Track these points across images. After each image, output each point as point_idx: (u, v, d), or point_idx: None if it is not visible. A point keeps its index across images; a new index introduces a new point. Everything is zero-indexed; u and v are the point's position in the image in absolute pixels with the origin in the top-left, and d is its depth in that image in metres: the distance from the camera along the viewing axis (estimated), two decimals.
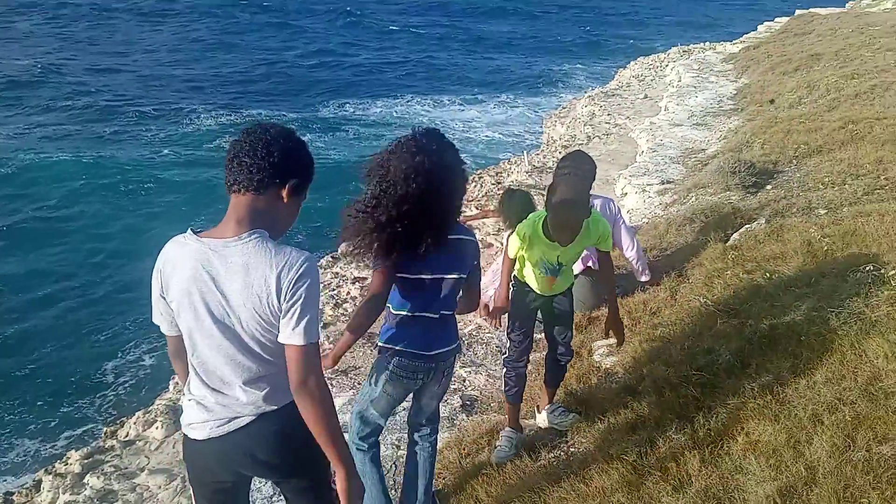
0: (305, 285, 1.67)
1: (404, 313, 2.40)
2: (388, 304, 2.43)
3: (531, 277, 2.91)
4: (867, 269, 3.62)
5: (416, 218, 2.19)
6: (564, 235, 2.71)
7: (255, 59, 28.89)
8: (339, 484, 1.74)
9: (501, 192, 4.93)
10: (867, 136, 6.31)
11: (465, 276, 2.43)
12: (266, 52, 31.18)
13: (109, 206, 13.22)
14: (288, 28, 38.85)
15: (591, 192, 4.06)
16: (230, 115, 19.69)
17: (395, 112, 22.01)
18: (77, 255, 11.34)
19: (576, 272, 4.08)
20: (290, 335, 1.68)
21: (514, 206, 4.05)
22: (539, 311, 3.02)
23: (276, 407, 1.81)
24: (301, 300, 1.67)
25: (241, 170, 1.72)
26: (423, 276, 2.35)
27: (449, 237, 2.31)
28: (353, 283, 6.65)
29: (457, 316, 2.56)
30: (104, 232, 12.17)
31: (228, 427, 1.81)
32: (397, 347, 2.40)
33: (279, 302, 1.67)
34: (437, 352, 2.43)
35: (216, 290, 1.71)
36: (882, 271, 3.52)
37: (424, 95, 24.70)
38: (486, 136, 19.42)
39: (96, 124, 18.31)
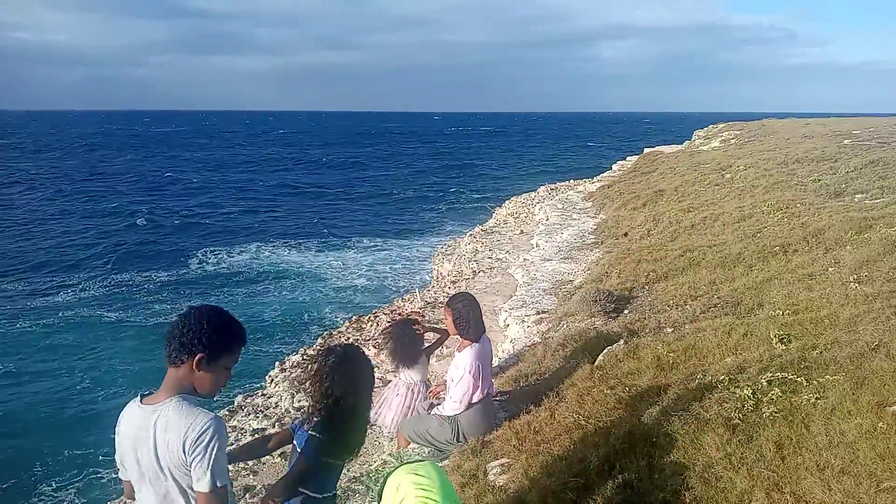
0: (204, 443, 2.05)
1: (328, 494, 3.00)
2: (303, 490, 2.91)
3: None
4: (702, 376, 4.37)
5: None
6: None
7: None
8: None
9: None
10: (702, 261, 7.43)
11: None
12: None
13: None
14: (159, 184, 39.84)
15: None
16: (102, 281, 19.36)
17: (288, 259, 22.40)
18: None
19: (475, 399, 4.58)
20: (197, 484, 2.08)
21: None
22: None
23: None
24: (202, 455, 2.05)
25: (166, 346, 2.19)
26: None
27: None
28: (252, 435, 6.81)
29: None
30: None
31: None
32: None
33: (185, 457, 2.06)
34: None
35: (149, 447, 2.11)
36: (712, 378, 4.27)
37: (300, 240, 25.39)
38: (375, 276, 20.12)
39: None
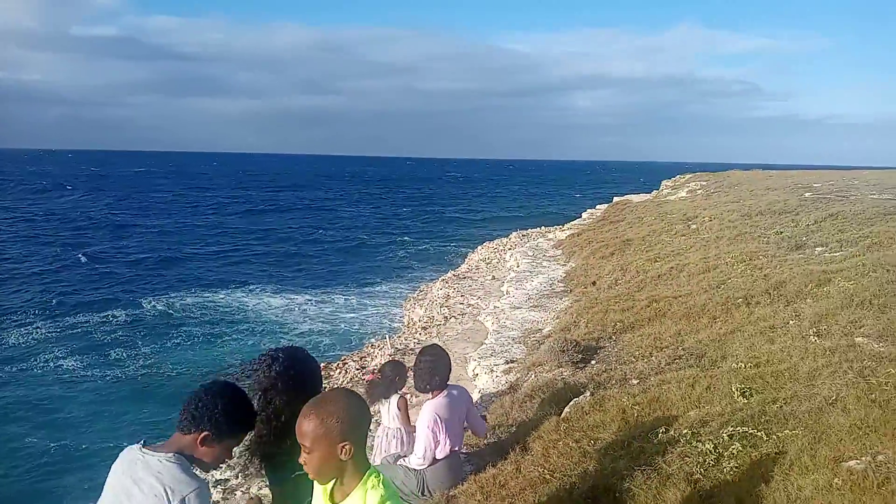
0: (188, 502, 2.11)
1: None
2: None
3: None
4: (666, 430, 4.40)
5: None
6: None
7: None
8: None
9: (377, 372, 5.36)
10: (668, 312, 7.55)
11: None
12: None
13: None
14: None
15: (448, 381, 4.68)
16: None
17: (246, 304, 22.07)
18: None
19: (440, 456, 4.53)
20: None
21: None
22: None
23: None
24: None
25: (181, 411, 2.29)
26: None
27: None
28: (215, 487, 6.63)
29: None
30: None
31: None
32: None
33: None
34: None
35: (134, 487, 2.14)
36: (676, 432, 4.31)
37: (264, 283, 25.15)
38: (342, 321, 19.95)
39: None
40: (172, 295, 22.94)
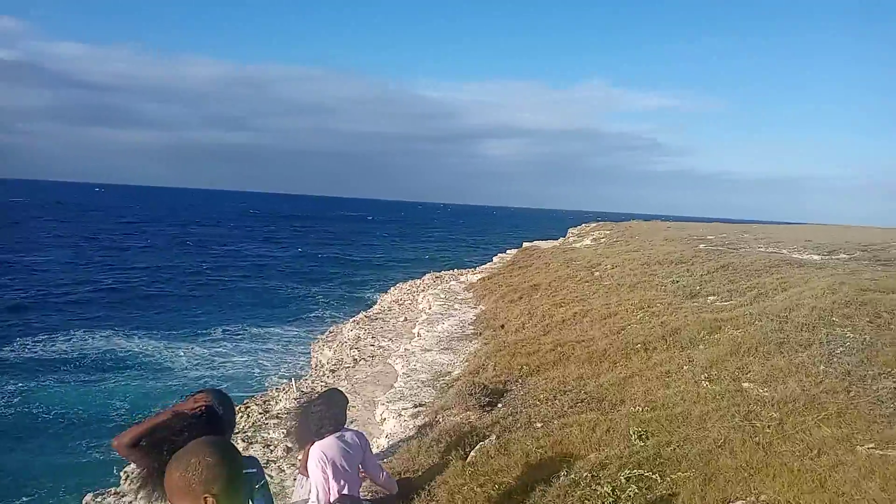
0: None
1: None
2: None
3: None
4: (567, 473, 4.50)
5: None
6: None
7: None
8: None
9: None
10: (572, 356, 7.76)
11: None
12: None
13: None
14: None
15: (345, 425, 4.59)
16: None
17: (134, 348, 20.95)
18: None
19: (333, 499, 4.41)
20: None
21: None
22: None
23: None
24: None
25: None
26: None
27: None
28: None
29: None
30: None
31: None
32: None
33: None
34: None
35: None
36: (576, 475, 4.41)
37: (158, 326, 24.05)
38: (244, 364, 19.26)
39: None
40: (56, 335, 21.54)
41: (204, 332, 23.32)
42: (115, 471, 8.98)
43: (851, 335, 6.14)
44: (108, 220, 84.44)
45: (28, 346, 20.40)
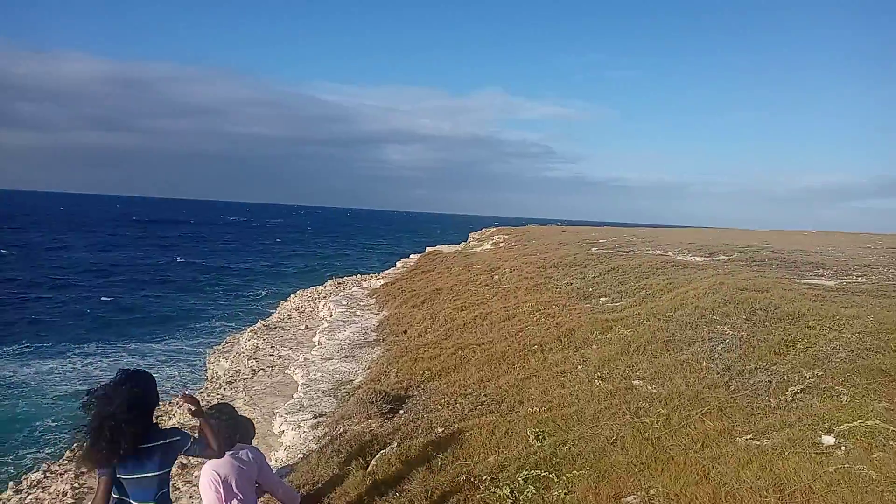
0: None
1: None
2: None
3: None
4: (467, 477, 4.52)
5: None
6: None
7: None
8: None
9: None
10: (472, 359, 7.84)
11: (164, 471, 3.31)
12: None
13: None
14: None
15: (239, 442, 4.40)
16: None
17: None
18: None
19: None
20: None
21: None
22: None
23: None
24: None
25: None
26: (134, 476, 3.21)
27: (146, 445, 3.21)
28: None
29: None
30: None
31: None
32: None
33: None
34: None
35: None
36: (476, 478, 4.44)
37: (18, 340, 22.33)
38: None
39: None
40: None
41: (75, 347, 21.76)
42: None
43: (731, 332, 6.55)
44: None
45: None
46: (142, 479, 3.25)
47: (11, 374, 18.66)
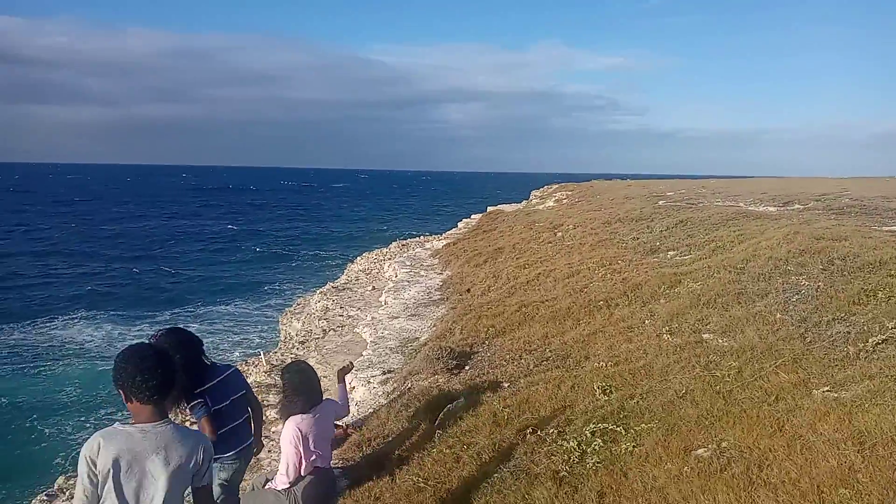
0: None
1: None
2: None
3: None
4: (534, 430, 4.55)
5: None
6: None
7: None
8: None
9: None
10: (536, 316, 7.83)
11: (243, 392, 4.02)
12: None
13: None
14: None
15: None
16: None
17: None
18: None
19: (305, 472, 4.43)
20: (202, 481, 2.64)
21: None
22: None
23: None
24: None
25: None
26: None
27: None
28: None
29: None
30: None
31: None
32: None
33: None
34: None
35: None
36: (543, 431, 4.47)
37: (115, 305, 23.50)
38: (211, 340, 18.99)
39: None
40: (7, 326, 20.93)
41: (145, 313, 22.83)
42: (63, 461, 8.77)
43: (806, 283, 6.30)
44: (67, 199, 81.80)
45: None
46: None
47: (89, 338, 19.88)
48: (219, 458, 3.75)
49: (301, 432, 4.34)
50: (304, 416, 4.41)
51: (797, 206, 13.28)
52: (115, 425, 2.53)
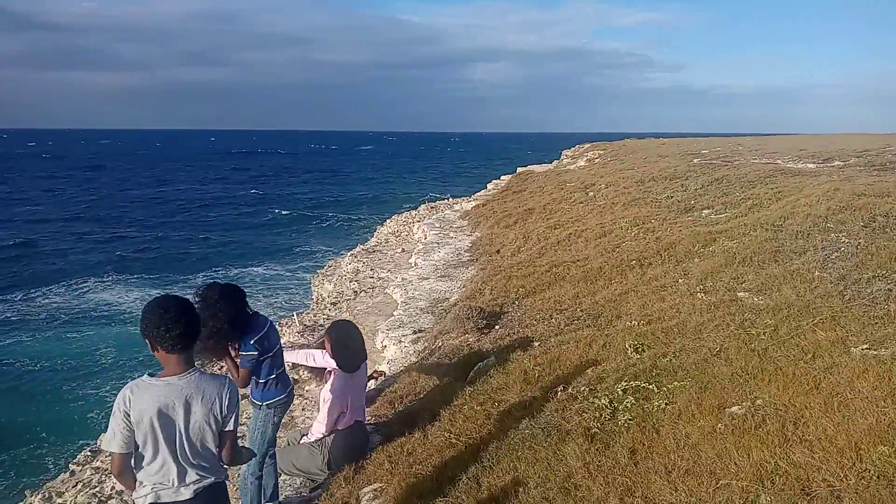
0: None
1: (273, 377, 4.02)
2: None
3: None
4: (565, 388, 4.56)
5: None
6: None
7: None
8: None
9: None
10: (567, 276, 7.77)
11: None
12: None
13: None
14: None
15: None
16: None
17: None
18: None
19: (341, 426, 4.53)
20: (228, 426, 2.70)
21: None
22: None
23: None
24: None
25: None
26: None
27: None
28: None
29: None
30: None
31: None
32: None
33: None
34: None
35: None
36: (574, 389, 4.47)
37: (150, 270, 23.95)
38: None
39: None
40: (42, 290, 21.54)
41: (178, 276, 23.26)
42: (104, 420, 9.04)
43: (846, 240, 6.13)
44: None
45: (21, 300, 20.45)
46: None
47: (122, 300, 20.41)
48: (272, 402, 3.99)
49: (344, 391, 4.47)
50: (349, 377, 4.52)
51: (837, 162, 12.88)
52: (143, 377, 2.60)
